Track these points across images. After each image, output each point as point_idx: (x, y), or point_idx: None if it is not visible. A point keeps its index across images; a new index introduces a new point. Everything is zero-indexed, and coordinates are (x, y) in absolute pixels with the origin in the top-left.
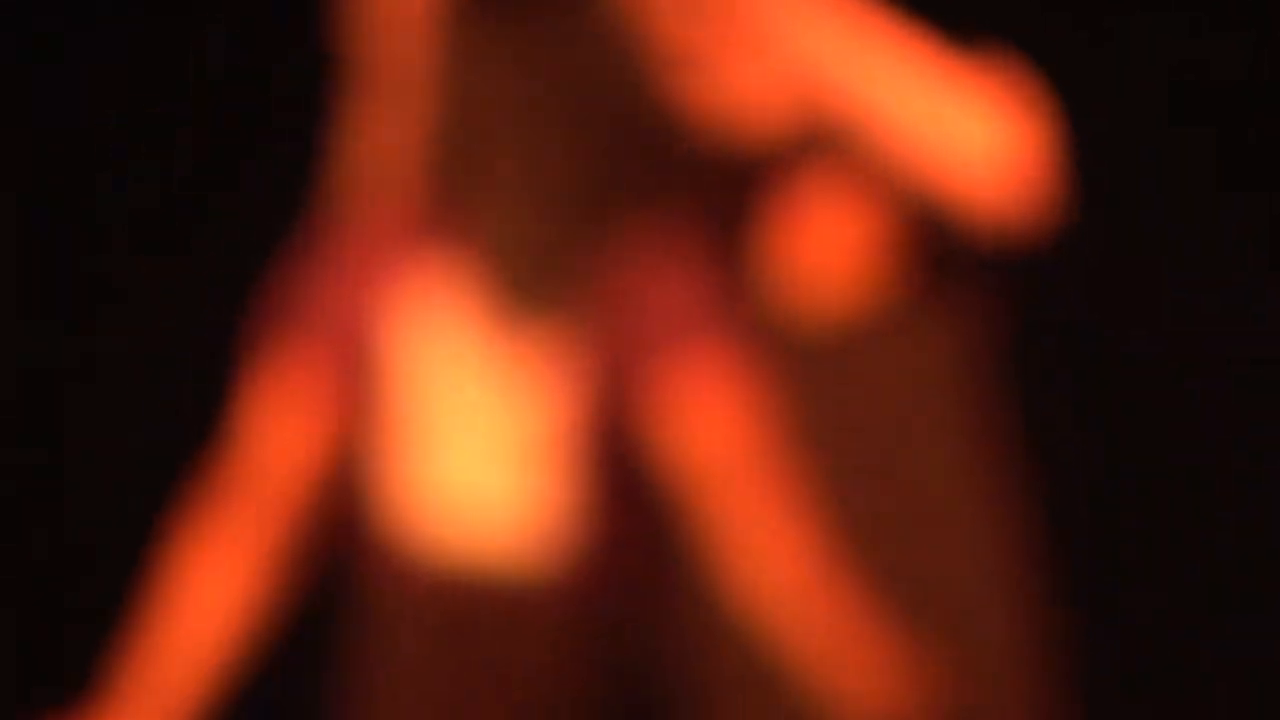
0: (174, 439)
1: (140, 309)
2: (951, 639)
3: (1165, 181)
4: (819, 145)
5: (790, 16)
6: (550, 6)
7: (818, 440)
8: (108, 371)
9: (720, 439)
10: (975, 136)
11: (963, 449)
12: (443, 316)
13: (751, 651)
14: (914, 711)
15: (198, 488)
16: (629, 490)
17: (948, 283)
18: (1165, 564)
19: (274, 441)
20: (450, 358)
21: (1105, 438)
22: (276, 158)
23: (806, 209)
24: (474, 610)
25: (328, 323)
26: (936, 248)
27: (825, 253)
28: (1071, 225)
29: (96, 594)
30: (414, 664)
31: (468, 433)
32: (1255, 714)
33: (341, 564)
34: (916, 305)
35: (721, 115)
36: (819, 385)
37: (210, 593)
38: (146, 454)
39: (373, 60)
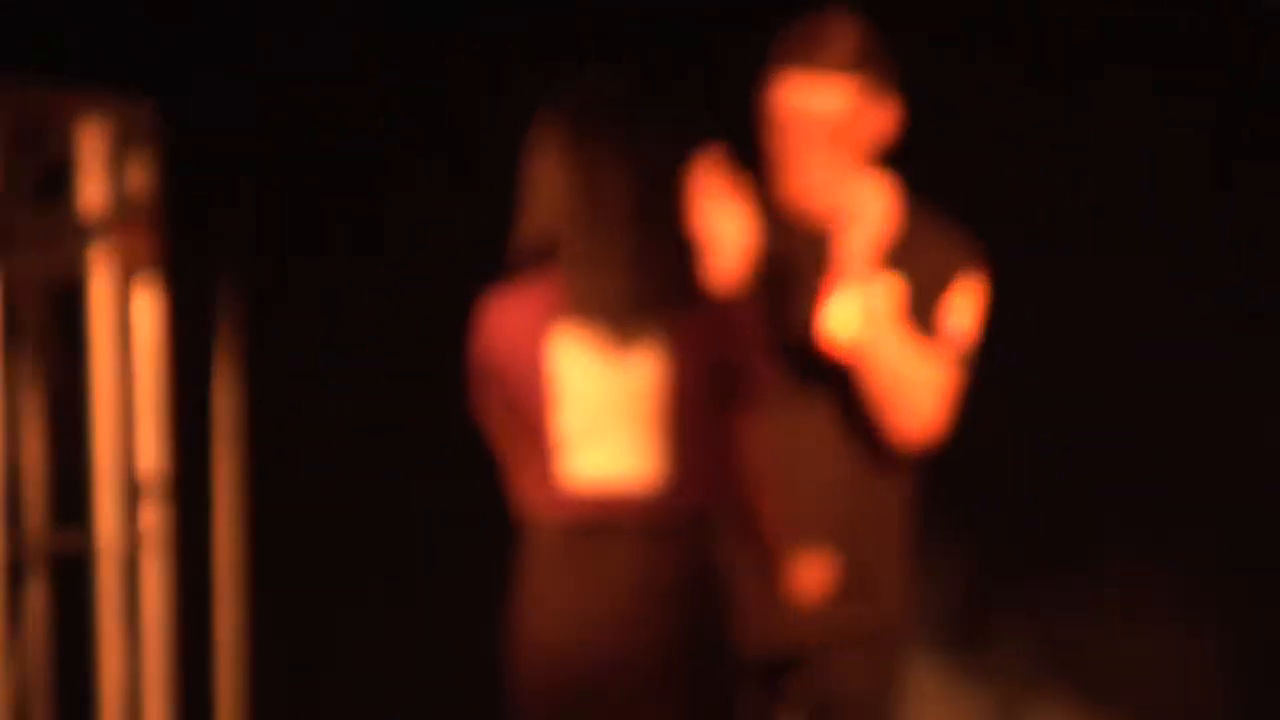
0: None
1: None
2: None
3: None
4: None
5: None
6: (620, 152)
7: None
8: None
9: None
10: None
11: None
12: (568, 333)
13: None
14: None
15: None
16: (694, 439)
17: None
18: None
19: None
20: (573, 358)
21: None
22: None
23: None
24: (602, 527)
25: (503, 330)
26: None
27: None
28: None
29: None
30: (560, 568)
31: (586, 403)
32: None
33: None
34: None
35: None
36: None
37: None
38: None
39: (534, 182)
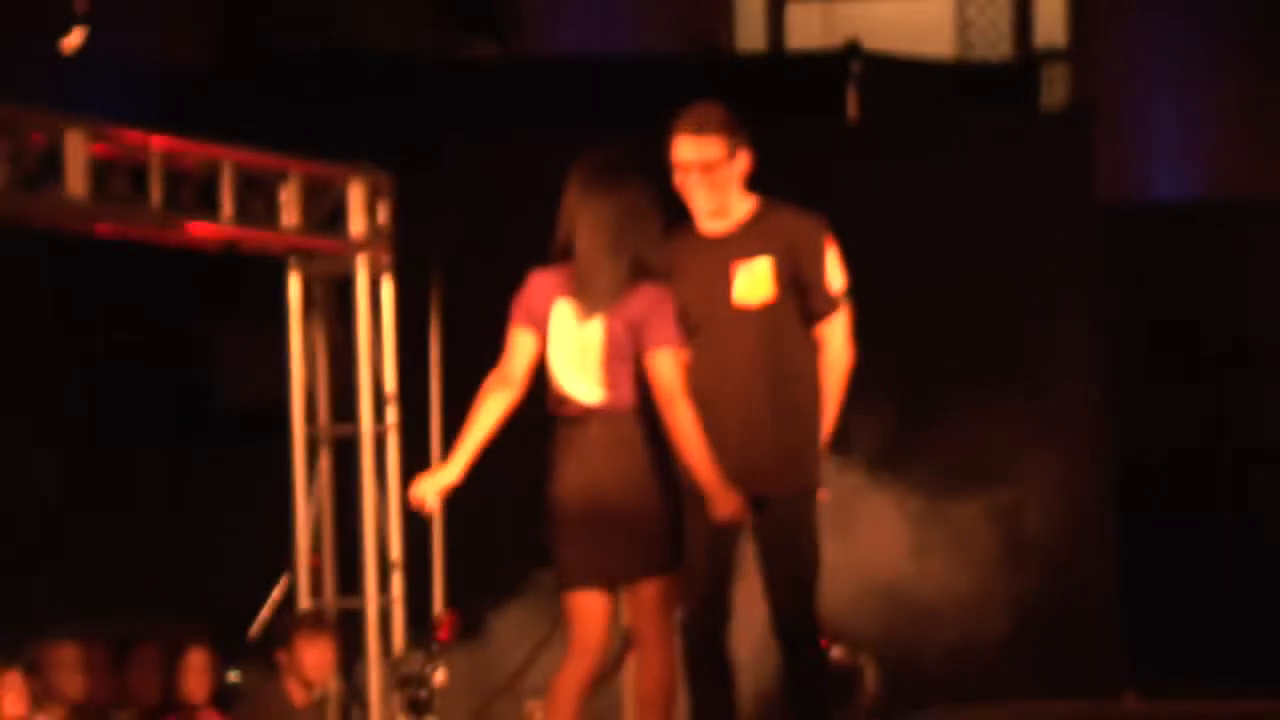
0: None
1: None
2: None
3: None
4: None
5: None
6: (617, 189)
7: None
8: None
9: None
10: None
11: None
12: (565, 302)
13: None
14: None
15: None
16: (623, 373)
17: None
18: None
19: (516, 348)
20: (564, 318)
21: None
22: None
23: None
24: (579, 421)
25: (532, 300)
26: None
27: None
28: None
29: None
30: (563, 445)
31: (570, 347)
32: None
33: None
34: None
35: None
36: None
37: (491, 409)
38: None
39: (564, 209)
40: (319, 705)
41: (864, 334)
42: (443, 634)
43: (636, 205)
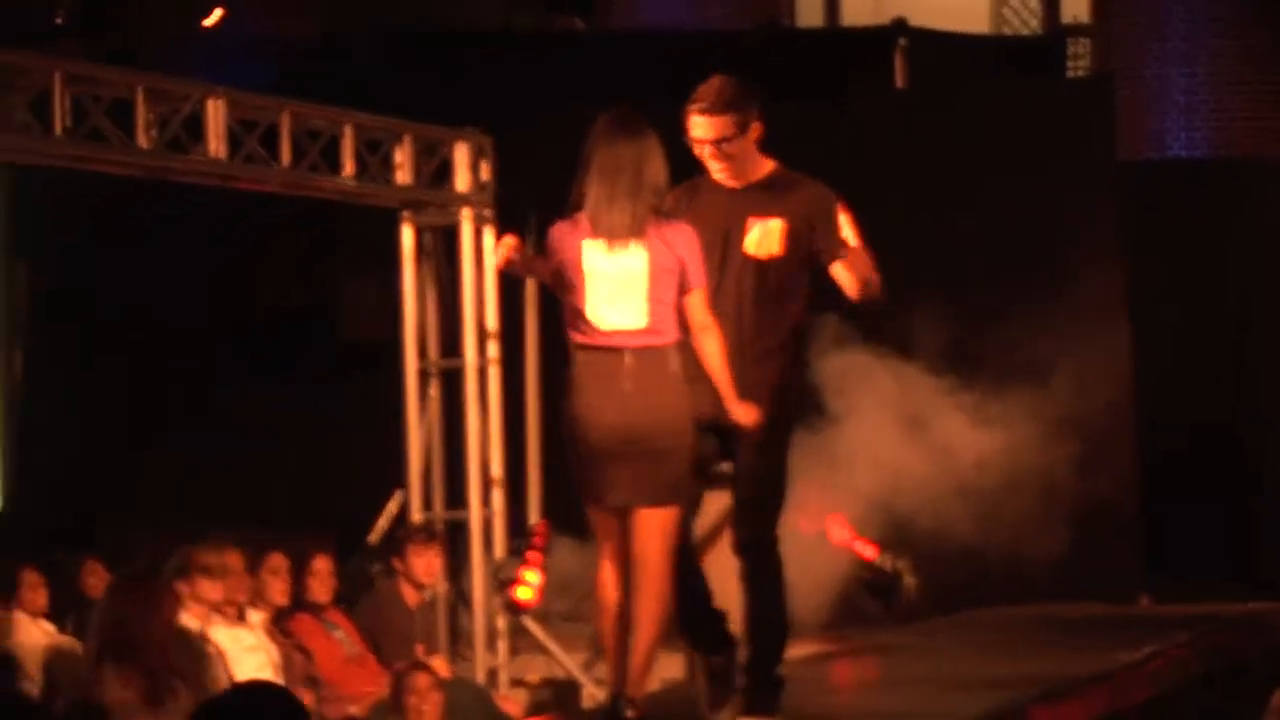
0: None
1: None
2: None
3: None
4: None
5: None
6: (629, 138)
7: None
8: None
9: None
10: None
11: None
12: (591, 238)
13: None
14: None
15: None
16: (665, 303)
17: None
18: None
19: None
20: (596, 253)
21: None
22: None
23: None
24: (613, 351)
25: (560, 242)
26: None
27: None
28: None
29: None
30: (592, 374)
31: (609, 278)
32: None
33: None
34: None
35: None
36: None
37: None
38: None
39: (585, 160)
40: (430, 605)
41: (917, 272)
42: (537, 541)
43: (647, 152)
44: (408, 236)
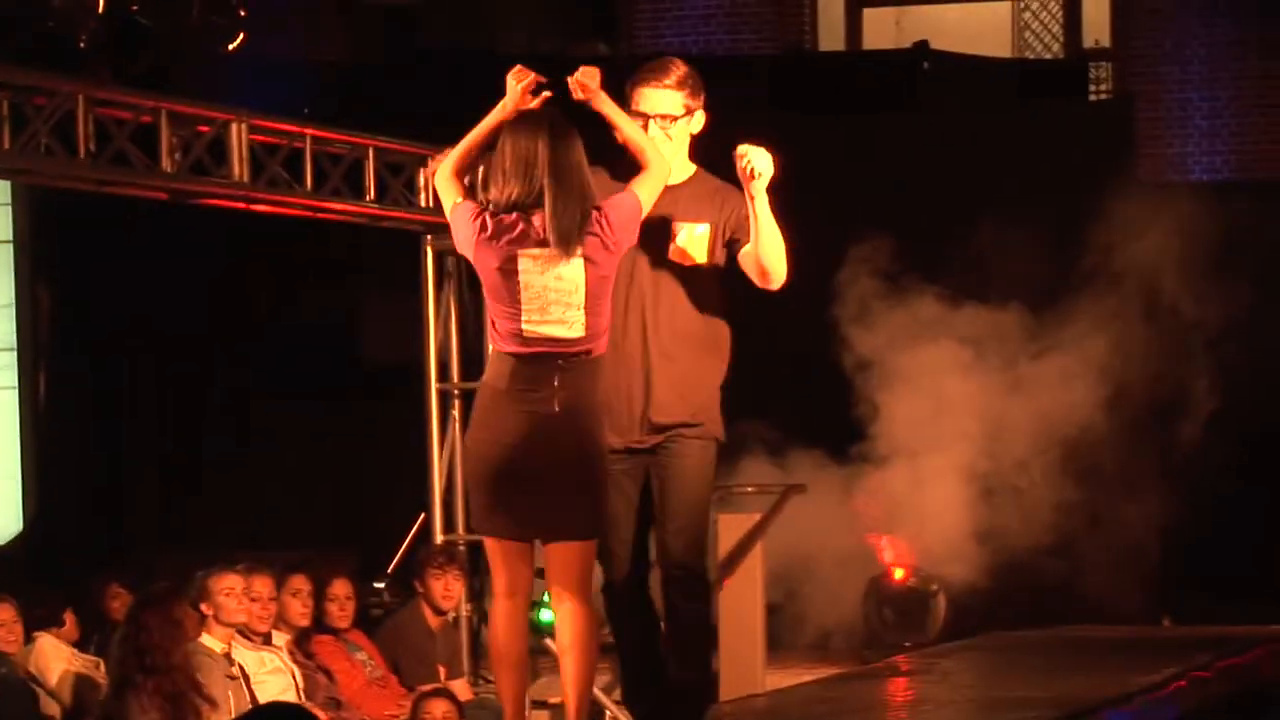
0: None
1: None
2: None
3: None
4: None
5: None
6: (552, 144)
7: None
8: None
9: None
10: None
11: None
12: (525, 246)
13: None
14: None
15: None
16: (601, 315)
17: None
18: None
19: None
20: (528, 261)
21: None
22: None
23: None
24: (539, 361)
25: (488, 244)
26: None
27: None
28: None
29: None
30: (511, 387)
31: (540, 288)
32: None
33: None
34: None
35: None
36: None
37: None
38: None
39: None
40: (452, 627)
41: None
42: None
43: (574, 152)
44: (429, 260)
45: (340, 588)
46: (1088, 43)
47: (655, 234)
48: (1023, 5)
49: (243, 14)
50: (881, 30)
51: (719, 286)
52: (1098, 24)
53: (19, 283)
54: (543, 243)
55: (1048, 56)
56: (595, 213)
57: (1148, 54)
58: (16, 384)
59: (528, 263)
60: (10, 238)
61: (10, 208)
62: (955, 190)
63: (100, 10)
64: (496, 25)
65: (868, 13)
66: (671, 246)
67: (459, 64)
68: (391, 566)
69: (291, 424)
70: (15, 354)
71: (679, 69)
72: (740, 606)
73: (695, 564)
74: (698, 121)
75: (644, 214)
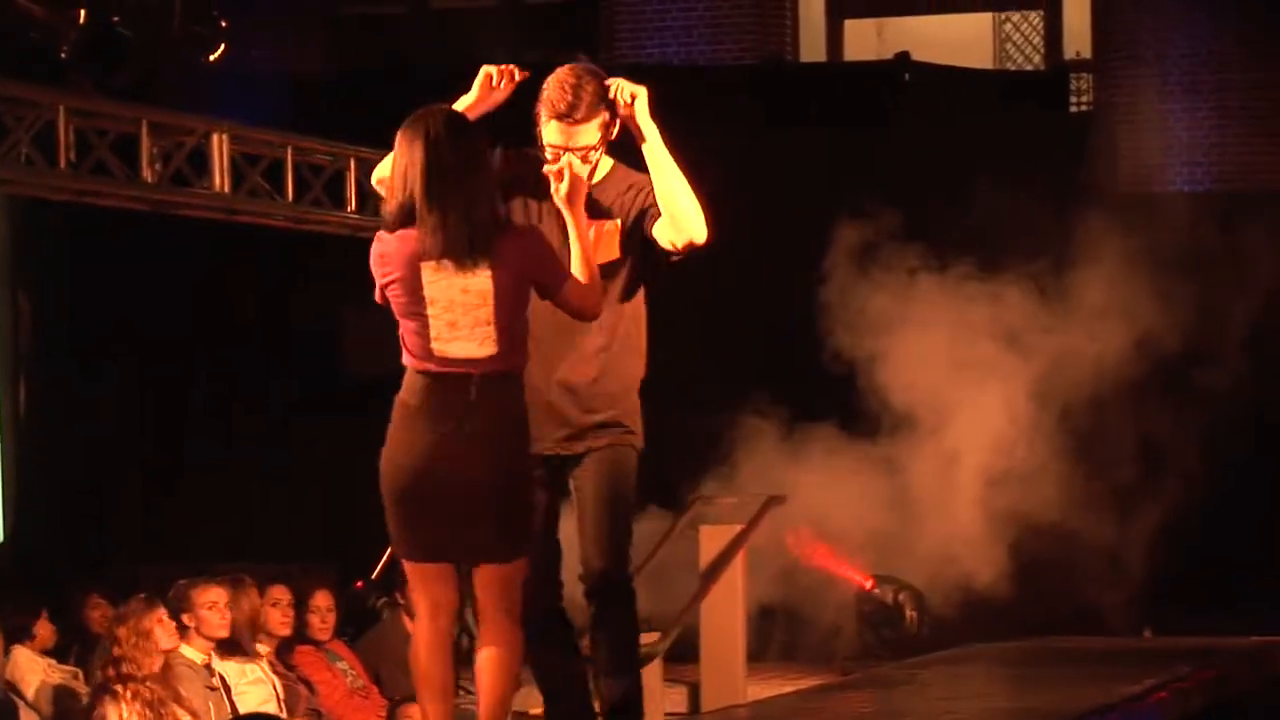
0: None
1: None
2: None
3: None
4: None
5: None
6: (451, 149)
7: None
8: None
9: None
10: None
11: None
12: (427, 259)
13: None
14: None
15: None
16: (514, 326)
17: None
18: None
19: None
20: (431, 274)
21: None
22: None
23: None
24: (450, 382)
25: (391, 260)
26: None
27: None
28: None
29: None
30: (421, 405)
31: (446, 302)
32: None
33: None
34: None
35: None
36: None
37: None
38: None
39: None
40: None
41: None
42: None
43: (475, 155)
44: None
45: (321, 599)
46: (1068, 54)
47: (565, 240)
48: (1003, 17)
49: (224, 24)
50: (863, 41)
51: (637, 283)
52: (1079, 35)
53: None
54: (445, 253)
55: (1029, 68)
56: (525, 231)
57: (1128, 65)
58: None
59: (429, 274)
60: None
61: None
62: (930, 201)
63: (81, 21)
64: (478, 35)
65: (849, 24)
66: None
67: (440, 74)
68: (375, 573)
69: (272, 437)
70: None
71: (589, 91)
72: (721, 618)
73: (617, 572)
74: (614, 128)
75: (554, 281)
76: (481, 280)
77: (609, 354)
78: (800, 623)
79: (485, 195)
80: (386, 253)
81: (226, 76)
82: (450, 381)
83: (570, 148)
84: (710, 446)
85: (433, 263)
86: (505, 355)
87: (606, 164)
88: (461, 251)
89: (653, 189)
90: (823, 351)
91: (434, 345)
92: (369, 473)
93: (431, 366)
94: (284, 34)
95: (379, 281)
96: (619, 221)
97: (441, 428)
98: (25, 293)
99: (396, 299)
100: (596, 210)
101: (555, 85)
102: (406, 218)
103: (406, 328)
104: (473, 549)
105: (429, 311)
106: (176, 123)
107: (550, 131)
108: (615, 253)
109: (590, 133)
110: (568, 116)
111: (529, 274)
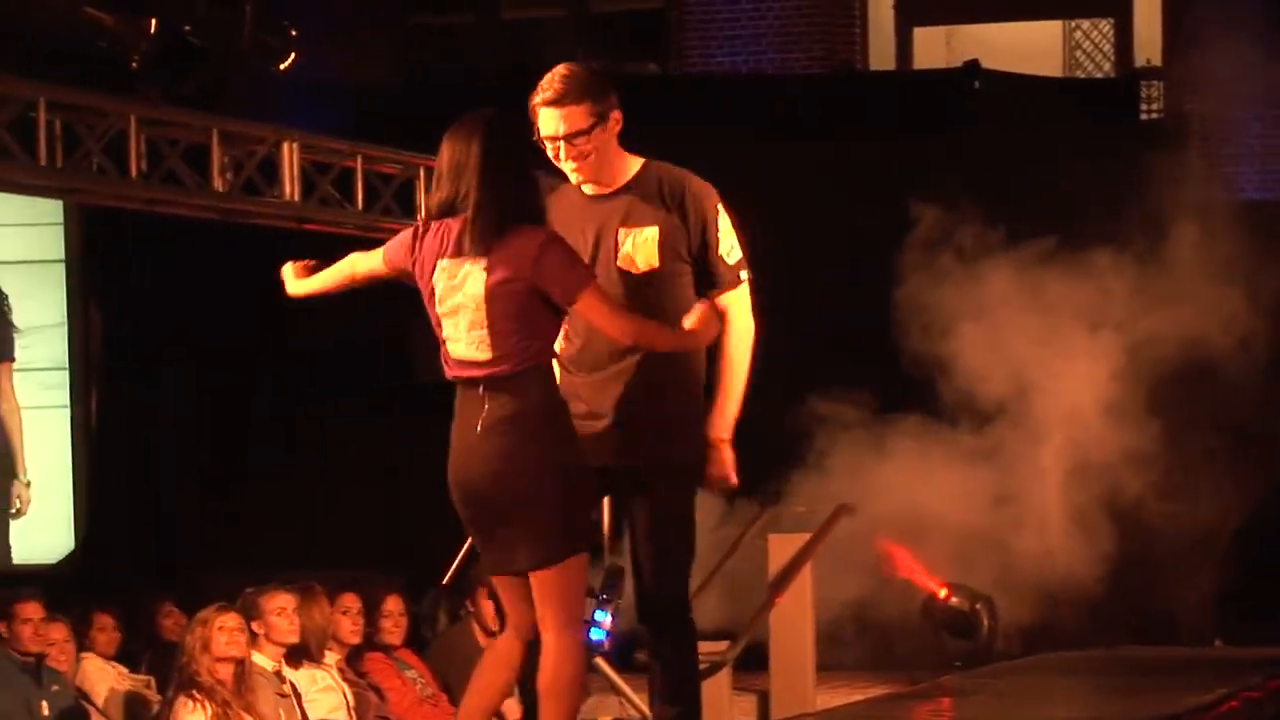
0: None
1: None
2: None
3: None
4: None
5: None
6: (487, 139)
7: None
8: None
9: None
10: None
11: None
12: (442, 262)
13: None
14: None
15: None
16: (511, 329)
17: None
18: None
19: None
20: (440, 272)
21: None
22: None
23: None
24: (470, 386)
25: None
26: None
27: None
28: None
29: None
30: (456, 416)
31: (450, 306)
32: None
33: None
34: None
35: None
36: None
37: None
38: None
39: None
40: None
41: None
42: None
43: (509, 154)
44: None
45: (392, 604)
46: (1139, 62)
47: (601, 248)
48: (1074, 24)
49: (294, 34)
50: (932, 49)
51: (684, 290)
52: (1149, 43)
53: (70, 302)
54: (456, 250)
55: (1099, 76)
56: (539, 234)
57: (1199, 73)
58: (68, 403)
59: (440, 271)
60: (61, 257)
61: (62, 227)
62: (1004, 210)
63: (152, 31)
64: (546, 45)
65: (918, 32)
66: (620, 254)
67: (509, 83)
68: (445, 580)
69: (343, 444)
70: (67, 373)
71: (575, 78)
72: (790, 626)
73: (673, 594)
74: (614, 124)
75: (569, 293)
76: (475, 280)
77: (662, 369)
78: (872, 630)
79: (515, 197)
80: (419, 247)
81: (295, 86)
82: (466, 386)
83: (560, 135)
84: (796, 442)
85: (445, 259)
86: (502, 360)
87: (635, 163)
88: (461, 249)
89: (712, 213)
90: (901, 355)
91: (448, 348)
92: (432, 479)
93: (451, 371)
94: (353, 44)
95: (407, 260)
96: (659, 229)
97: (468, 437)
98: (96, 303)
99: (425, 298)
100: (631, 213)
101: (546, 76)
102: (445, 210)
103: (436, 333)
104: (506, 559)
105: (439, 308)
106: (247, 132)
107: (542, 120)
108: (655, 261)
109: (580, 117)
110: (555, 101)
111: (533, 282)
